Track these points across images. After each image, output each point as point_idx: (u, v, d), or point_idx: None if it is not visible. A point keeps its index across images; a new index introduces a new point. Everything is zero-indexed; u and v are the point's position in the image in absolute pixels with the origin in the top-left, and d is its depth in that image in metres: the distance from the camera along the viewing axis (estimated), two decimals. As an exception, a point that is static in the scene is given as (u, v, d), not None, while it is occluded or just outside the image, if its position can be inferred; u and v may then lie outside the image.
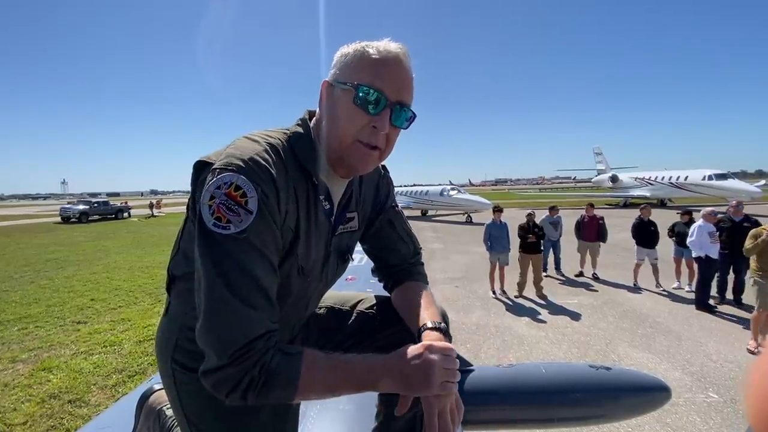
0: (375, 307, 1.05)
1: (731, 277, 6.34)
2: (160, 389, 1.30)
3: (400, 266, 1.04)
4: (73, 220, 25.47)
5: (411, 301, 0.93)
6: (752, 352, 4.62)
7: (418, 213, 24.47)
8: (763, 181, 39.43)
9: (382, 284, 1.08)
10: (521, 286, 7.15)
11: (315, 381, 0.70)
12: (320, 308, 1.09)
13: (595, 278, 8.18)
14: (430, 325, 0.84)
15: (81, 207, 26.62)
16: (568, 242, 8.69)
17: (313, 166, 0.81)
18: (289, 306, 0.89)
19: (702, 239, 6.07)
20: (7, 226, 25.14)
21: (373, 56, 0.76)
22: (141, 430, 1.24)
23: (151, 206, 33.80)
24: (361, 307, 1.06)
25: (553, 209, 8.44)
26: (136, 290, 7.75)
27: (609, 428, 3.15)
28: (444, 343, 0.77)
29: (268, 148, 0.75)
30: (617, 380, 1.64)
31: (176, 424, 1.13)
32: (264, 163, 0.72)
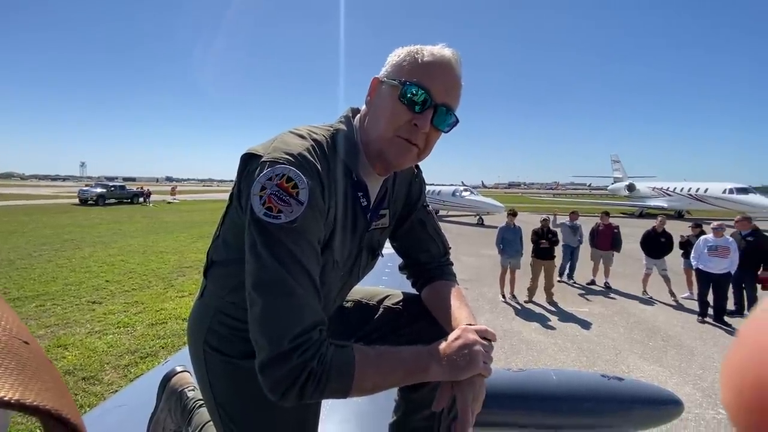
0: (401, 303, 1.06)
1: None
2: (182, 371, 1.34)
3: (430, 264, 1.05)
4: (90, 202, 25.97)
5: (444, 300, 0.94)
6: None
7: (428, 212, 24.31)
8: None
9: (410, 281, 1.09)
10: (532, 291, 7.10)
11: (368, 372, 0.71)
12: (347, 302, 1.10)
13: (607, 287, 8.07)
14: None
15: (99, 190, 27.15)
16: (581, 249, 8.55)
17: (354, 163, 0.84)
18: None
19: (700, 251, 6.16)
20: (28, 205, 25.73)
21: (425, 58, 0.78)
22: (163, 409, 1.28)
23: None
24: (387, 303, 1.07)
25: (573, 214, 8.35)
26: (149, 274, 7.92)
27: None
28: (480, 325, 0.82)
29: (313, 143, 0.78)
30: (629, 392, 1.61)
31: (197, 405, 1.17)
32: (311, 157, 0.74)
